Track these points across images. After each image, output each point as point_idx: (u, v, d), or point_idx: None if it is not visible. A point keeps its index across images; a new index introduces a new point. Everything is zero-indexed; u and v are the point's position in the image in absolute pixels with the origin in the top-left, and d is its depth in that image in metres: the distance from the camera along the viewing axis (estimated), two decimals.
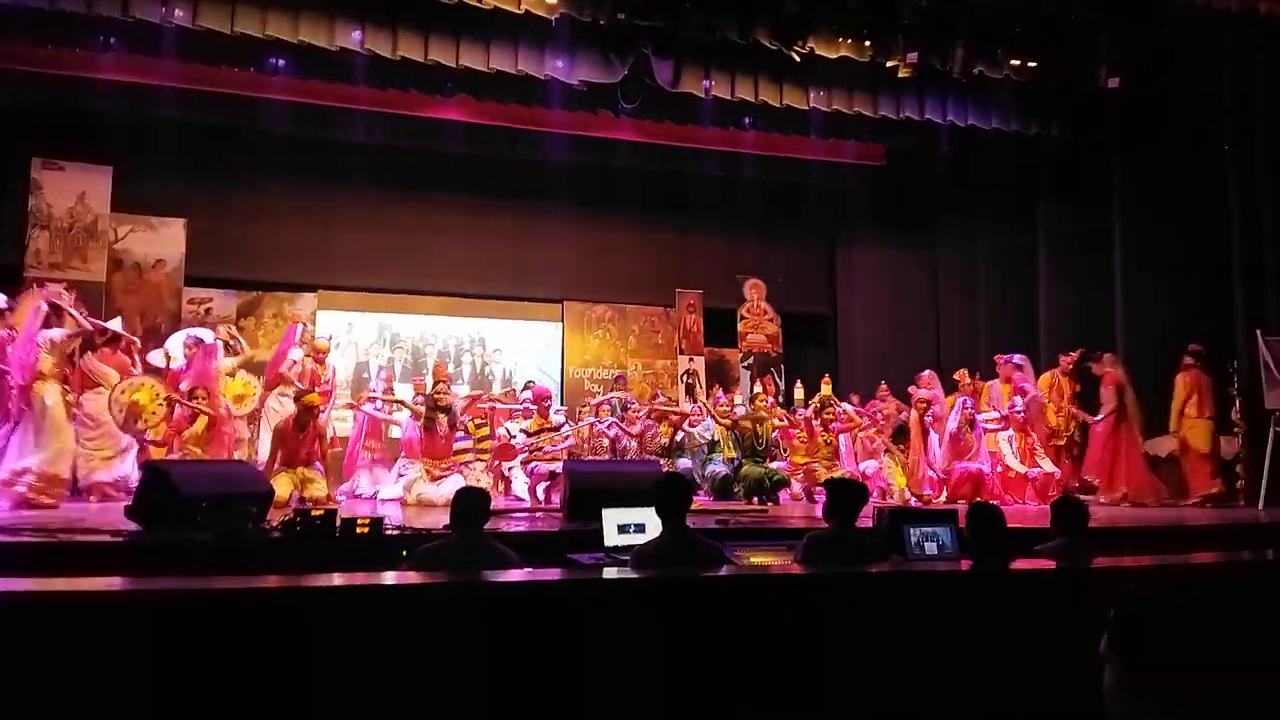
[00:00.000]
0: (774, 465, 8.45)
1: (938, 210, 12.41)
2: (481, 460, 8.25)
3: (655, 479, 3.65)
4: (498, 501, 7.44)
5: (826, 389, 9.31)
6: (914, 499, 7.94)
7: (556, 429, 7.86)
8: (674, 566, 3.27)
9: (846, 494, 3.99)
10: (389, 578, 2.88)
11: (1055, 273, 11.20)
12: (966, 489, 8.20)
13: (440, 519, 3.79)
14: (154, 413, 6.78)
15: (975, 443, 8.52)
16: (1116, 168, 10.69)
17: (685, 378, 11.63)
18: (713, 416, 8.20)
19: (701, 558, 3.44)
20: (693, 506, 6.77)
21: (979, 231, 12.07)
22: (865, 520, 5.78)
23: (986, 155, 11.39)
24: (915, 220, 12.45)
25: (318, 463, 7.00)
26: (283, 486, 6.71)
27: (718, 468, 8.34)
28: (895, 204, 12.32)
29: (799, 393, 10.28)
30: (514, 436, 7.86)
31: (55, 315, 6.45)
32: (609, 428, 8.00)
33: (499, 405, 8.26)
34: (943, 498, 8.28)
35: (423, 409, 7.48)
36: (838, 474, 7.83)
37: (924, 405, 8.38)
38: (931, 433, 8.66)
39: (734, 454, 8.07)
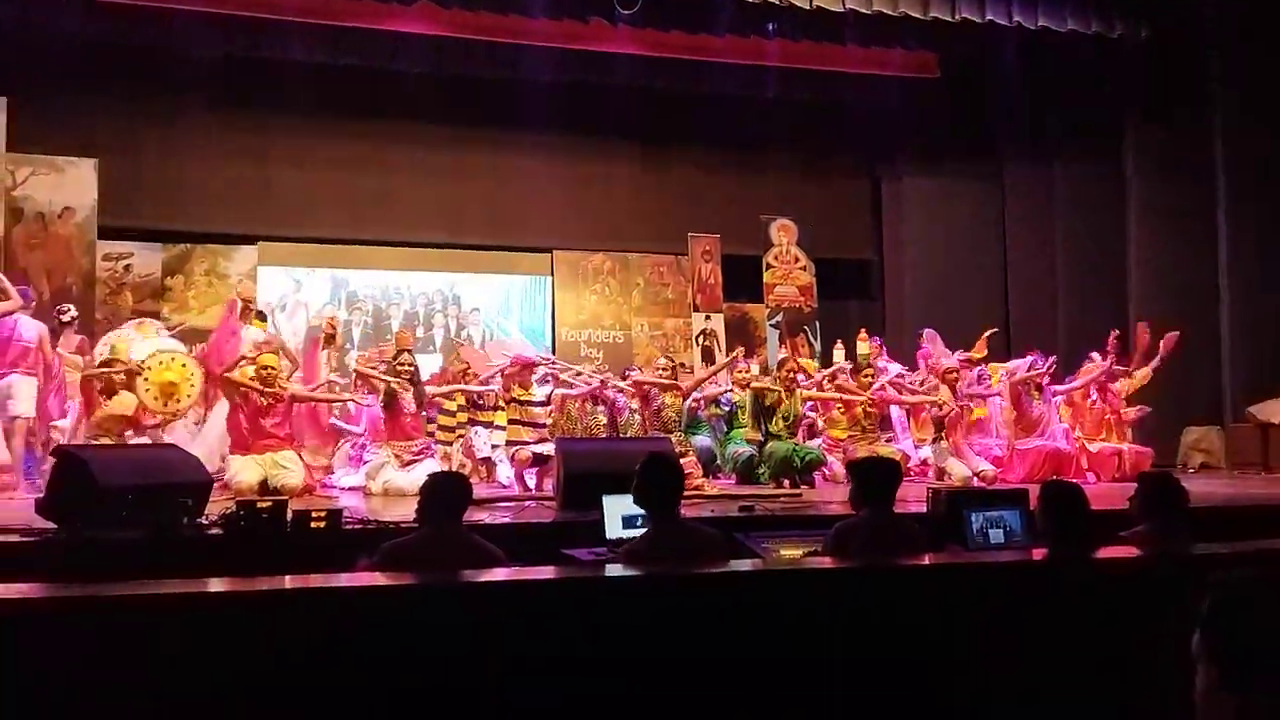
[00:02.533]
0: (810, 443, 8.49)
1: (1003, 134, 12.37)
2: (462, 436, 8.27)
3: (639, 463, 3.66)
4: (478, 489, 7.29)
5: (865, 346, 9.27)
6: (975, 479, 7.93)
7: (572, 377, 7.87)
8: (665, 561, 3.30)
9: (871, 475, 4.01)
10: (347, 579, 2.93)
11: (1146, 206, 11.18)
12: (1043, 470, 8.23)
13: (410, 511, 3.78)
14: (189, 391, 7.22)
15: (1047, 414, 8.53)
16: (1218, 76, 10.60)
17: (701, 339, 11.60)
18: (694, 393, 8.13)
19: (701, 550, 3.45)
20: (713, 491, 6.88)
21: (1053, 158, 12.03)
22: (917, 504, 5.85)
23: (1061, 65, 11.32)
24: (976, 146, 12.40)
25: (300, 446, 7.14)
26: (249, 473, 6.74)
27: (740, 446, 8.35)
28: (951, 127, 12.27)
29: (838, 354, 10.30)
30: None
31: None
32: (606, 388, 7.98)
33: (464, 387, 8.28)
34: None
35: (383, 384, 7.49)
36: (885, 451, 7.83)
37: (954, 375, 8.39)
38: (984, 404, 8.68)
39: (758, 430, 8.08)
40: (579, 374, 8.37)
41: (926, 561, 3.58)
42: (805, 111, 12.23)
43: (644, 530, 3.66)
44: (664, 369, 7.86)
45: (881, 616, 2.92)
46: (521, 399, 7.70)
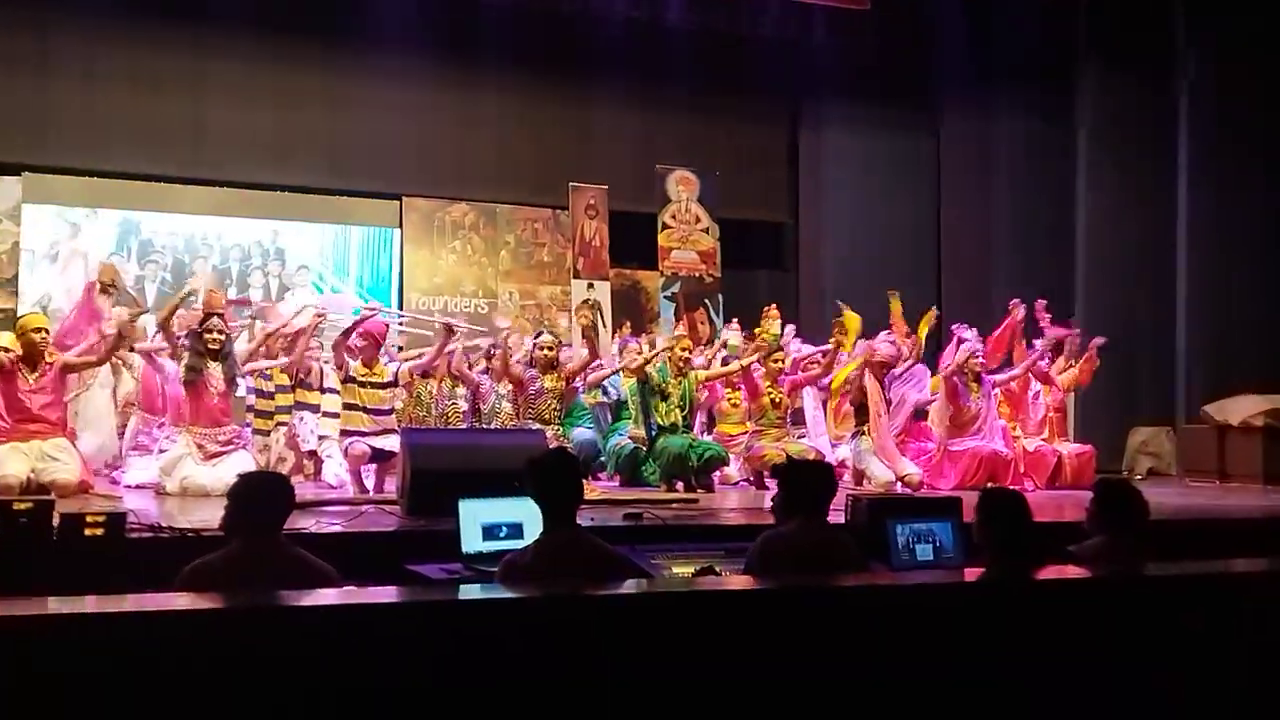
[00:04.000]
0: (705, 437, 8.49)
1: (941, 79, 12.67)
2: (284, 424, 8.21)
3: (530, 457, 3.71)
4: (303, 489, 7.22)
5: (773, 324, 9.33)
6: (899, 485, 8.07)
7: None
8: (561, 580, 3.32)
9: (807, 480, 4.08)
10: (134, 603, 2.80)
11: (1099, 168, 11.60)
12: (978, 475, 8.45)
13: (215, 516, 3.73)
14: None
15: (985, 409, 8.75)
16: (1183, 18, 11.04)
17: (583, 310, 11.51)
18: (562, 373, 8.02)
19: (600, 569, 3.48)
20: (594, 494, 6.84)
21: (996, 109, 12.39)
22: (835, 511, 5.92)
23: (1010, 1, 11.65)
24: (910, 91, 12.67)
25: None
26: (12, 466, 6.56)
27: (625, 439, 8.33)
28: (882, 69, 12.50)
29: (732, 335, 10.35)
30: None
31: None
32: (456, 360, 7.92)
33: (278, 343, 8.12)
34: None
35: (184, 354, 7.26)
36: (794, 449, 7.92)
37: (881, 365, 8.51)
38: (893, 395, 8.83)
39: (646, 420, 8.10)
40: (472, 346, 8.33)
41: (859, 583, 3.64)
42: (714, 43, 12.29)
43: (528, 540, 3.67)
44: (546, 346, 7.77)
45: (808, 641, 2.97)
46: (361, 378, 7.49)
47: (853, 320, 9.15)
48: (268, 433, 8.14)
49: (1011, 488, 4.63)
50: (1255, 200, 10.79)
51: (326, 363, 8.22)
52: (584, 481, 5.07)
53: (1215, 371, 10.96)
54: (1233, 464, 10.07)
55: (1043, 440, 9.11)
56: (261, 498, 3.61)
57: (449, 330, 7.93)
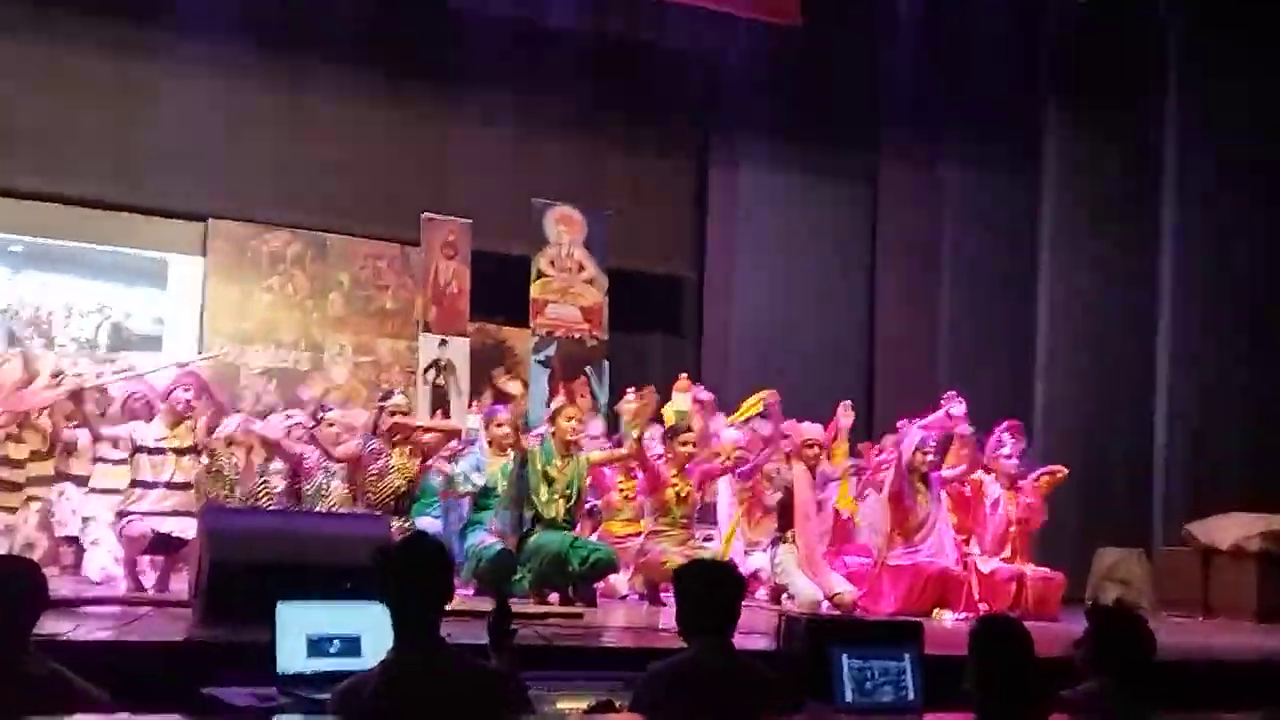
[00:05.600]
0: (591, 537, 8.50)
1: (885, 112, 12.89)
2: (37, 499, 8.09)
3: (379, 546, 3.64)
4: (59, 584, 7.03)
5: (684, 398, 9.28)
6: (826, 604, 8.06)
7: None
8: (415, 715, 3.25)
9: (710, 588, 4.06)
10: None
11: (1065, 224, 11.88)
12: (922, 596, 8.45)
13: None
14: None
15: (934, 515, 8.77)
16: (1173, 47, 11.37)
17: (433, 373, 11.34)
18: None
19: (474, 702, 3.38)
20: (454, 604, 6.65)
21: (945, 153, 12.69)
22: (756, 635, 5.81)
23: (966, 27, 11.99)
24: (845, 125, 12.87)
25: None
26: None
27: (486, 536, 8.17)
28: (814, 97, 12.70)
29: (626, 407, 10.26)
30: None
31: None
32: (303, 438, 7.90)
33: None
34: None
35: None
36: (701, 554, 7.82)
37: (813, 450, 8.67)
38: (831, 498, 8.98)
39: (519, 509, 8.08)
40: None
41: None
42: (610, 53, 12.41)
43: (369, 658, 3.63)
44: (396, 410, 7.83)
45: None
46: (157, 441, 7.35)
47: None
48: (14, 509, 8.03)
49: (1009, 616, 4.62)
50: (1252, 267, 11.14)
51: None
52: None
53: (1199, 485, 11.26)
54: (1218, 595, 10.27)
55: (1002, 560, 9.08)
56: (3, 593, 3.55)
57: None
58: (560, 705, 4.29)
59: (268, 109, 11.75)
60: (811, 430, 8.79)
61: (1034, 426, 10.61)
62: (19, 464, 8.07)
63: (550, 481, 7.96)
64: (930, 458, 8.84)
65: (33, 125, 10.97)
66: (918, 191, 12.81)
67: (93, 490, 7.99)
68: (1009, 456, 9.30)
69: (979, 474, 9.20)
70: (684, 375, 9.85)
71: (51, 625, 4.81)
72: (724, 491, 9.23)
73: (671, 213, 13.18)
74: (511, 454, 8.34)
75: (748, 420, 9.47)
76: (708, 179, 13.23)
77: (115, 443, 7.45)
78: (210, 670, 4.44)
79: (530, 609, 7.14)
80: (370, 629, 3.96)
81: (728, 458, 9.07)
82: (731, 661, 3.99)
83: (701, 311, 13.10)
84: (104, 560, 7.58)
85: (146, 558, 7.31)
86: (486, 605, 7.08)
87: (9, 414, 7.94)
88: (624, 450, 8.64)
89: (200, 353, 10.98)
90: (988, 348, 12.03)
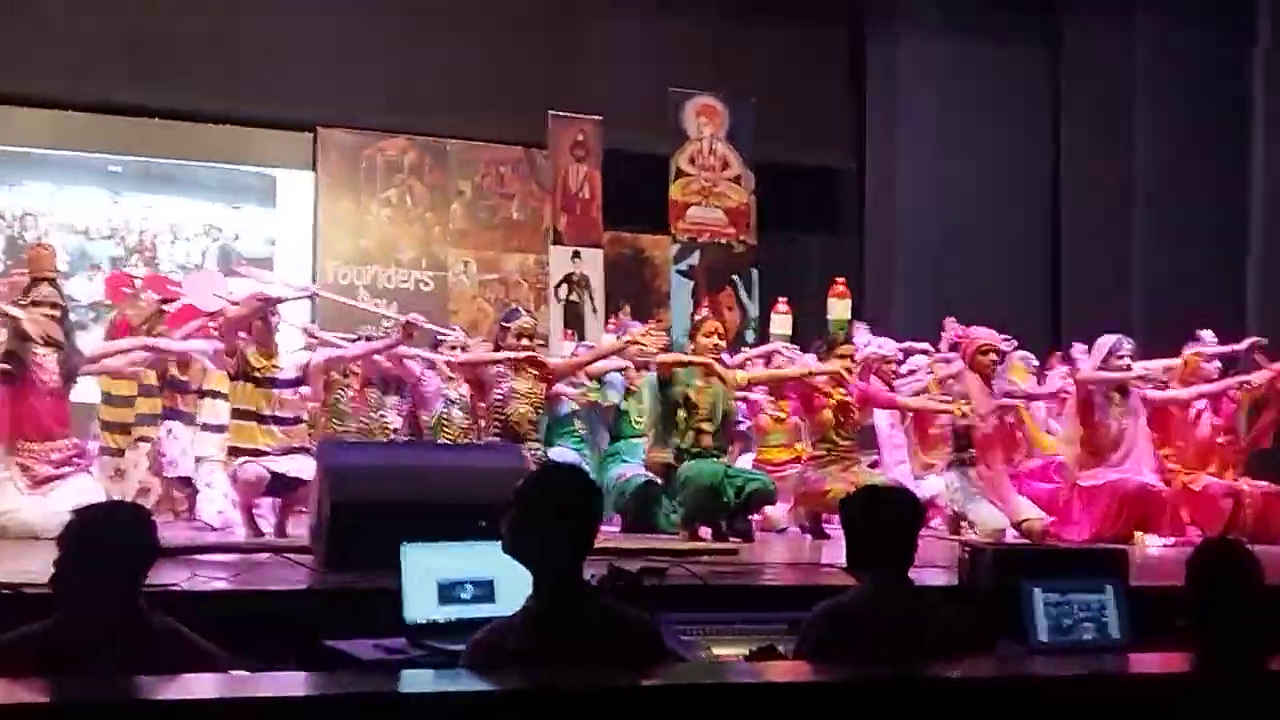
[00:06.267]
0: (741, 462, 8.53)
1: None
2: (146, 439, 8.17)
3: (515, 482, 3.52)
4: (172, 530, 7.22)
5: (842, 306, 9.11)
6: (1014, 532, 7.97)
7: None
8: (563, 666, 3.16)
9: (881, 518, 3.97)
10: None
11: None
12: (1121, 519, 8.24)
13: (45, 566, 3.60)
14: None
15: (1131, 431, 8.58)
16: None
17: (566, 289, 11.46)
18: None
19: (622, 650, 3.32)
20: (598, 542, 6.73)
21: (1142, 9, 12.27)
22: (934, 569, 5.82)
23: None
24: None
25: None
26: None
27: (632, 465, 8.25)
28: None
29: (779, 322, 10.18)
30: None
31: None
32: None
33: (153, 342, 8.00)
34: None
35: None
36: (867, 480, 7.72)
37: (989, 359, 8.48)
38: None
39: (665, 440, 7.95)
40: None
41: (983, 674, 3.54)
42: None
43: (503, 606, 3.69)
44: (522, 332, 7.79)
45: None
46: (257, 371, 7.36)
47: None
48: (123, 452, 8.11)
49: (1233, 539, 4.49)
50: None
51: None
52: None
53: None
54: None
55: (1210, 474, 8.86)
56: (109, 541, 3.49)
57: (407, 331, 7.90)
58: (717, 651, 4.27)
59: (377, 3, 11.95)
60: (987, 335, 8.59)
61: (1246, 322, 10.20)
62: (126, 402, 8.19)
63: (692, 406, 7.90)
64: (1125, 361, 8.60)
65: (127, 33, 11.26)
66: (1108, 54, 12.55)
67: (205, 427, 8.06)
68: (1209, 360, 9.05)
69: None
70: (841, 279, 9.70)
71: (165, 575, 4.85)
72: (882, 411, 9.09)
73: (824, 97, 13.12)
74: (650, 375, 8.32)
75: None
76: (864, 56, 13.14)
77: (232, 351, 7.41)
78: (333, 621, 4.49)
79: (681, 545, 7.20)
80: (506, 572, 3.89)
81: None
82: (910, 599, 3.93)
83: (862, 207, 13.07)
84: (220, 503, 7.64)
85: (265, 500, 7.37)
86: (634, 542, 7.30)
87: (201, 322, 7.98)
88: (785, 371, 8.61)
89: (314, 275, 11.20)
90: (1191, 234, 11.69)
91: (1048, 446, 9.18)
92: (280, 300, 7.72)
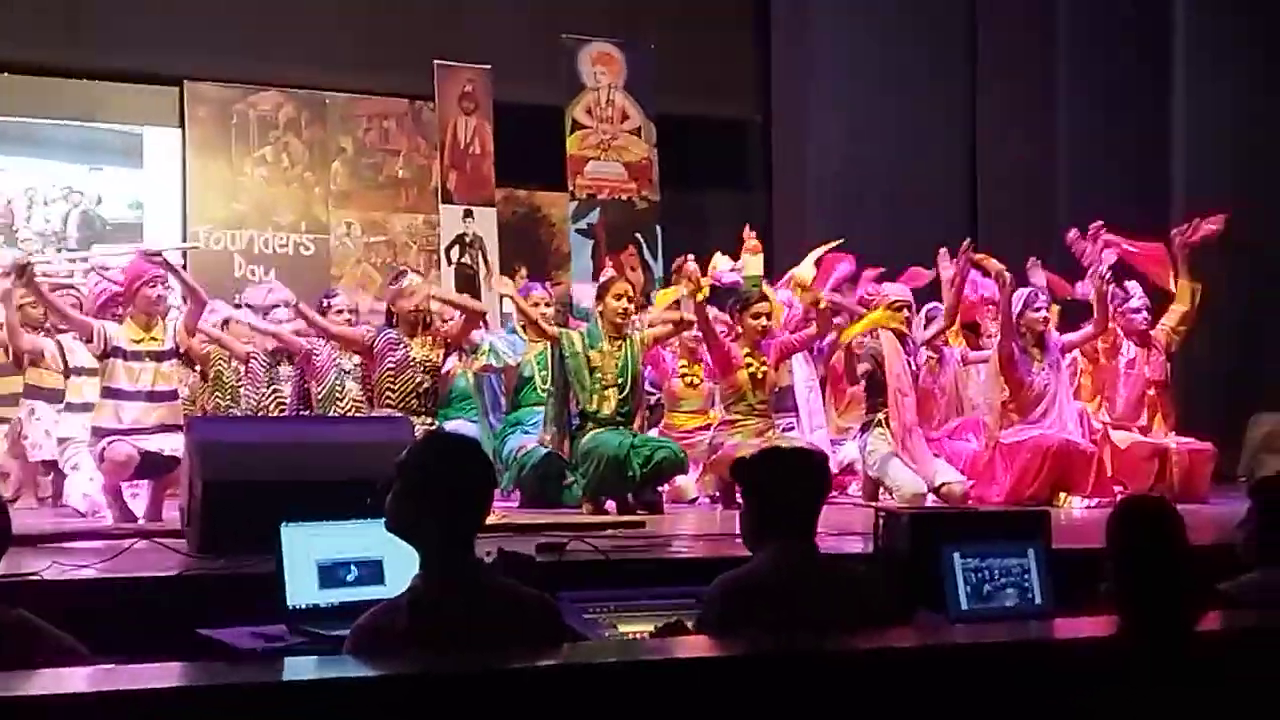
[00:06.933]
0: (651, 432, 8.55)
1: None
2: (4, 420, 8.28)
3: (402, 453, 3.51)
4: (33, 517, 7.22)
5: (756, 259, 9.19)
6: (932, 497, 8.09)
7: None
8: (453, 649, 3.19)
9: (781, 482, 4.00)
10: None
11: (1208, 23, 11.58)
12: (1039, 479, 8.34)
13: None
14: None
15: (1054, 384, 8.69)
16: None
17: (456, 251, 11.45)
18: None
19: (524, 627, 3.36)
20: (492, 517, 6.76)
21: None
22: (851, 536, 5.93)
23: None
24: None
25: None
26: None
27: (530, 439, 8.27)
28: None
29: (677, 281, 10.24)
30: None
31: None
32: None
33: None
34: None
35: None
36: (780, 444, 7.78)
37: (902, 315, 8.64)
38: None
39: (563, 407, 8.04)
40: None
41: (901, 644, 3.60)
42: None
43: (391, 587, 3.70)
44: (414, 294, 7.78)
45: None
46: (132, 344, 7.31)
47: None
48: None
49: (1157, 496, 4.56)
50: None
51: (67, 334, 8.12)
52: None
53: None
54: None
55: (1139, 429, 9.00)
56: None
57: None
58: (623, 629, 4.29)
59: None
60: (898, 290, 8.67)
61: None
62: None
63: (595, 370, 7.93)
64: (1042, 314, 8.71)
65: None
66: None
67: (69, 407, 8.01)
68: (1137, 310, 9.21)
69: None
70: (752, 232, 9.72)
71: (24, 564, 4.90)
72: (799, 370, 9.17)
73: (728, 43, 13.11)
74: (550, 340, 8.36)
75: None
76: None
77: (89, 338, 7.39)
78: (208, 608, 4.49)
79: (583, 519, 7.24)
80: (394, 551, 3.87)
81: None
82: (820, 565, 3.97)
83: (770, 159, 13.04)
84: (87, 487, 7.56)
85: (134, 485, 7.34)
86: (534, 516, 7.29)
87: None
88: (684, 315, 8.55)
89: (184, 239, 11.04)
90: (1113, 177, 11.84)
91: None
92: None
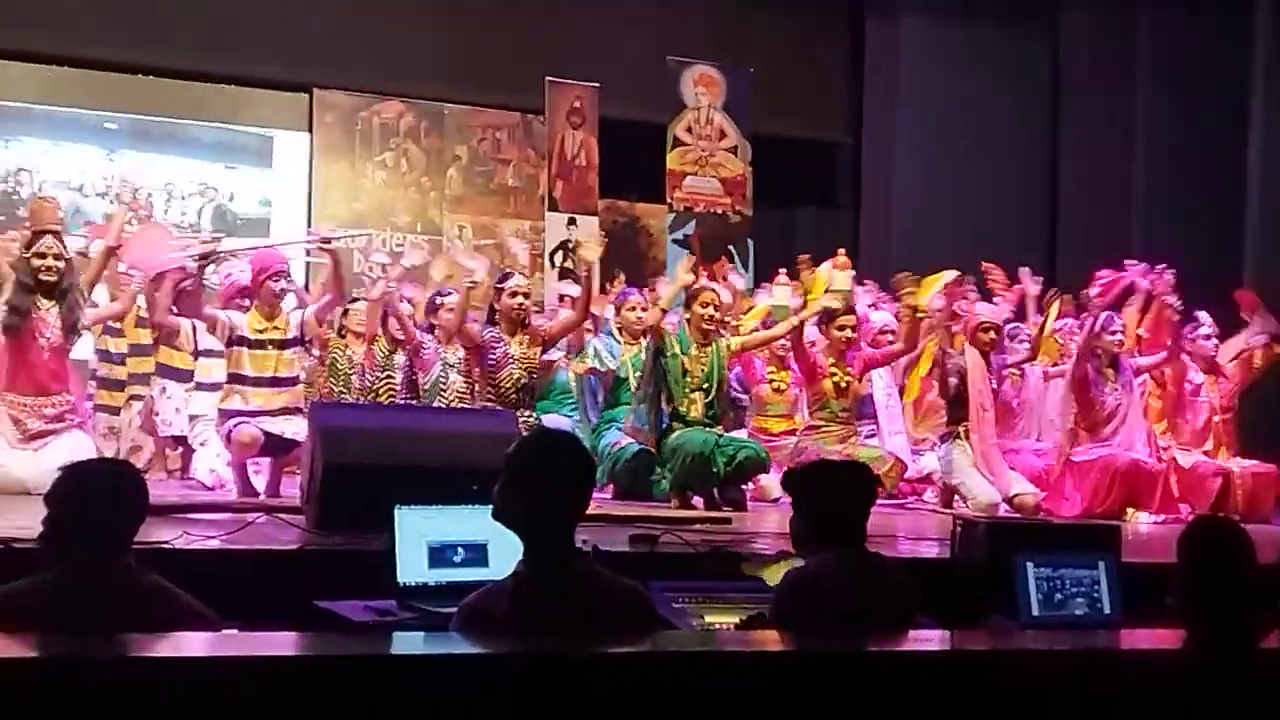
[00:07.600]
0: (738, 432, 8.48)
1: None
2: (139, 398, 8.19)
3: (507, 447, 3.51)
4: (163, 489, 7.21)
5: (844, 276, 9.13)
6: (1004, 507, 7.95)
7: None
8: (551, 633, 3.17)
9: (824, 490, 4.02)
10: None
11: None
12: (1110, 497, 8.22)
13: (34, 522, 3.63)
14: None
15: (1125, 404, 8.55)
16: None
17: (560, 256, 11.50)
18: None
19: (611, 618, 3.33)
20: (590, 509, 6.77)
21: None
22: (928, 541, 5.83)
23: None
24: None
25: None
26: None
27: (622, 436, 8.22)
28: None
29: (778, 291, 10.17)
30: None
31: None
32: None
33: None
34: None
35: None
36: (865, 455, 7.68)
37: (989, 334, 8.45)
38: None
39: (656, 405, 7.96)
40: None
41: (974, 646, 3.63)
42: None
43: (494, 570, 3.67)
44: (517, 293, 7.78)
45: None
46: (256, 335, 7.33)
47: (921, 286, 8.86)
48: (117, 410, 8.12)
49: (1226, 517, 4.50)
50: None
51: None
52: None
53: None
54: None
55: (1204, 454, 8.87)
56: (99, 498, 3.48)
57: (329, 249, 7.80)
58: (709, 620, 4.25)
59: None
60: (986, 311, 8.58)
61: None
62: (119, 360, 8.20)
63: (685, 373, 7.90)
64: (1118, 337, 8.58)
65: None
66: (1109, 33, 12.48)
67: (199, 386, 8.06)
68: (1207, 337, 9.04)
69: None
70: (842, 250, 9.68)
71: (156, 534, 4.88)
72: (879, 378, 9.07)
73: (823, 69, 13.09)
74: (644, 343, 8.34)
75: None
76: (864, 30, 13.07)
77: (213, 327, 7.42)
78: (324, 582, 4.47)
79: (672, 513, 7.21)
80: (497, 536, 3.82)
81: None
82: (871, 567, 3.94)
83: (859, 180, 13.02)
84: (213, 462, 7.63)
85: (257, 462, 7.36)
86: (626, 509, 7.30)
87: (140, 274, 7.90)
88: (773, 332, 8.50)
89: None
90: (1192, 206, 11.63)
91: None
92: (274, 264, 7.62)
